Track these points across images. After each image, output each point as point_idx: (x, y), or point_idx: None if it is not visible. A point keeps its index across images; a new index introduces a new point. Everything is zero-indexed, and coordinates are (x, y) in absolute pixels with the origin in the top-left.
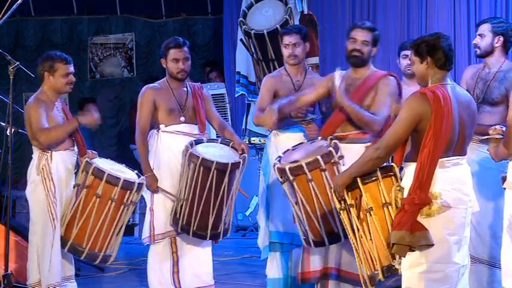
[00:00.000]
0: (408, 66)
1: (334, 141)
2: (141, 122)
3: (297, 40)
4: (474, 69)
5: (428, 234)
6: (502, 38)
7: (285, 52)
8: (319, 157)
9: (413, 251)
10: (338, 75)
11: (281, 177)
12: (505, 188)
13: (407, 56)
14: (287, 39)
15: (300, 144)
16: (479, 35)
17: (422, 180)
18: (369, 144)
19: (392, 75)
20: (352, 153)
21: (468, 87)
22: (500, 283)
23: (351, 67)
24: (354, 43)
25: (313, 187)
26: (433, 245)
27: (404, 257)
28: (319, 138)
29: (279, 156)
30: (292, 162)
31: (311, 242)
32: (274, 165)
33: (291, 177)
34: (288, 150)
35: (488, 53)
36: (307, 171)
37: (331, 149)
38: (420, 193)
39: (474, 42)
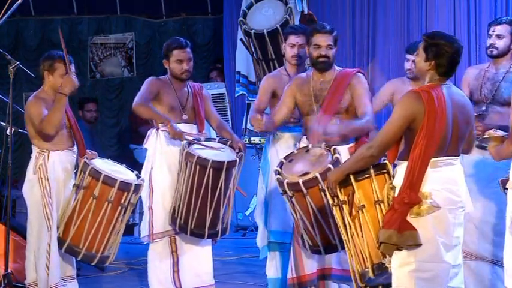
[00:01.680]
0: (408, 70)
1: (334, 147)
2: (140, 97)
3: (303, 41)
4: (476, 70)
5: (416, 234)
6: None
7: (289, 52)
8: (330, 166)
9: (401, 250)
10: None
11: (291, 191)
12: (506, 189)
13: (409, 60)
14: (294, 39)
15: (291, 154)
16: (498, 35)
17: (412, 180)
18: (351, 145)
19: (361, 72)
20: None
21: (473, 87)
22: (502, 281)
23: (317, 72)
24: (319, 49)
25: (325, 196)
26: (420, 245)
27: (391, 256)
28: (310, 145)
29: (277, 170)
30: (303, 175)
31: (322, 250)
32: (282, 182)
33: (305, 190)
34: (282, 163)
35: (504, 54)
36: (321, 182)
37: (337, 155)
38: (410, 192)
39: (491, 42)
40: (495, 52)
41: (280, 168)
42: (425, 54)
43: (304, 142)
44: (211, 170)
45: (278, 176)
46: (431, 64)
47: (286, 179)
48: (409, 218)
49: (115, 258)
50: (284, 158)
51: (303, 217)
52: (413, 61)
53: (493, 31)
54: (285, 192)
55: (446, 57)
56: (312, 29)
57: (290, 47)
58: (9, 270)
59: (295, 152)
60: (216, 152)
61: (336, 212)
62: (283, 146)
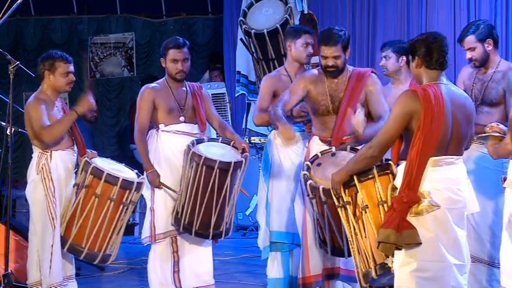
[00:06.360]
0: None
1: None
2: (140, 121)
3: (314, 42)
4: (470, 69)
5: (415, 233)
6: (491, 41)
7: (304, 51)
8: None
9: (400, 249)
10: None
11: (325, 197)
12: (504, 188)
13: (384, 56)
14: (309, 39)
15: (316, 158)
16: (469, 49)
17: (411, 179)
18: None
19: (374, 72)
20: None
21: (466, 87)
22: (499, 282)
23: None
24: (326, 59)
25: None
26: (420, 243)
27: (392, 256)
28: (334, 149)
29: (306, 175)
30: None
31: (345, 253)
32: (317, 188)
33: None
34: (309, 167)
35: (486, 60)
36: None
37: None
38: (409, 192)
39: (468, 58)
40: (477, 64)
41: (308, 172)
42: (410, 56)
43: (316, 142)
44: (218, 170)
45: (310, 181)
46: (417, 62)
47: (321, 185)
48: (409, 218)
49: (115, 257)
50: (310, 161)
51: (332, 222)
52: None
53: (464, 47)
54: (314, 197)
55: (425, 47)
56: (319, 38)
57: (304, 46)
58: (9, 270)
59: (320, 155)
60: (222, 152)
61: (341, 212)
62: (285, 145)
